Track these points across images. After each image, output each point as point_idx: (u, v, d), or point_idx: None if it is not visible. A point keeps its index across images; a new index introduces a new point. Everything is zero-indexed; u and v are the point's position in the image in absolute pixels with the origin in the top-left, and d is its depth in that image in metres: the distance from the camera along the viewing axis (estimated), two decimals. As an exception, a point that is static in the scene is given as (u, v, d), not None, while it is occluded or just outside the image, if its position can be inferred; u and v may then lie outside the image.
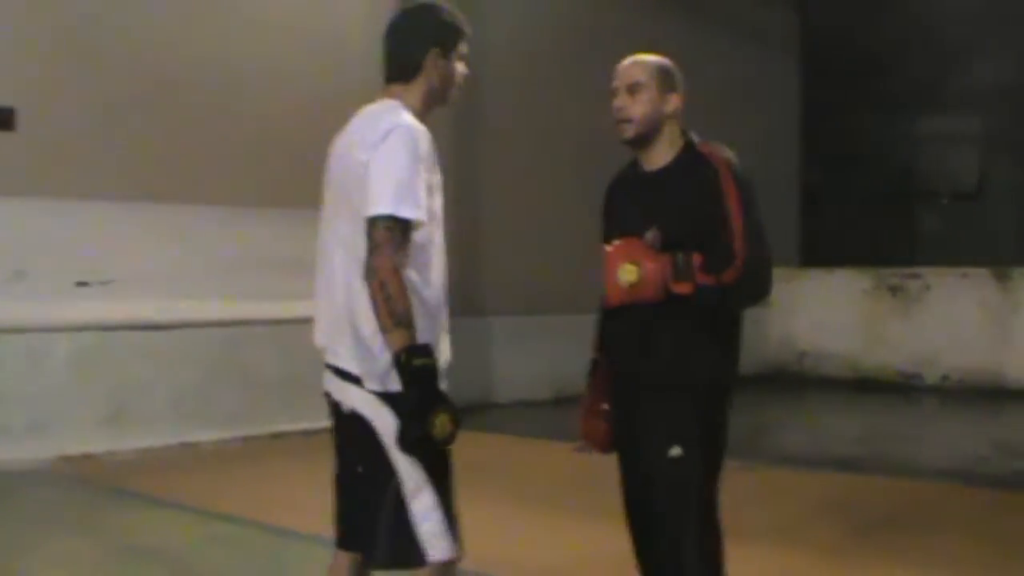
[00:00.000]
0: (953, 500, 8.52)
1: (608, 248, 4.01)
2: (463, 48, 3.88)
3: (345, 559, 3.84)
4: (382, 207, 3.51)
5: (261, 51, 11.22)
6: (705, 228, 3.95)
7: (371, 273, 3.51)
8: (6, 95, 9.75)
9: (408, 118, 3.66)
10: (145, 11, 10.55)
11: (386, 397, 3.60)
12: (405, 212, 3.52)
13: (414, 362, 3.48)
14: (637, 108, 4.13)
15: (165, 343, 10.45)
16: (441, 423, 3.49)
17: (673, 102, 4.17)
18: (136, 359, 10.26)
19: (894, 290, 16.09)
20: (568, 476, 9.21)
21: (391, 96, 3.79)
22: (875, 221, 17.55)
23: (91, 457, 9.84)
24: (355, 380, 3.67)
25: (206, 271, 10.81)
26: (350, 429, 3.72)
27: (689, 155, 4.14)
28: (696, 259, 3.89)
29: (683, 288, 3.89)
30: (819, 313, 16.73)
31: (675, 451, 4.02)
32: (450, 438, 3.53)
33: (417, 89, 3.79)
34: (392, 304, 3.47)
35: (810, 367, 16.82)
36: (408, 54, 3.81)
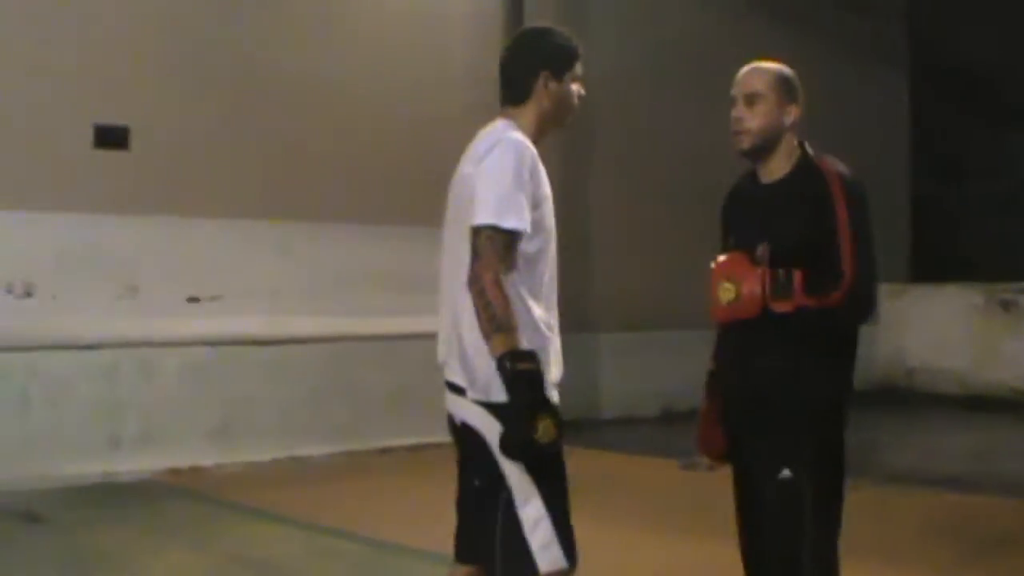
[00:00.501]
0: (1068, 521, 8.36)
1: (712, 265, 3.99)
2: (578, 70, 3.91)
3: (462, 572, 3.85)
4: (484, 217, 3.57)
5: (370, 70, 11.30)
6: (816, 244, 3.88)
7: (473, 280, 3.56)
8: (121, 114, 9.93)
9: (515, 134, 3.69)
10: (255, 31, 10.68)
11: (490, 407, 3.62)
12: (507, 222, 3.56)
13: (517, 366, 3.49)
14: (755, 120, 4.04)
15: (273, 358, 10.56)
16: (545, 427, 3.48)
17: (793, 113, 4.09)
18: (244, 374, 10.38)
19: (1006, 305, 15.80)
20: (674, 493, 9.17)
21: (505, 117, 3.84)
22: (987, 234, 17.25)
23: (200, 470, 9.97)
24: (463, 392, 3.69)
25: (313, 287, 10.91)
26: (465, 442, 3.75)
27: (805, 167, 4.05)
28: (798, 278, 3.84)
29: (783, 307, 3.85)
30: (929, 329, 16.47)
31: (784, 473, 3.96)
32: (554, 443, 3.52)
33: (529, 112, 3.83)
34: (492, 310, 3.50)
35: (920, 384, 16.56)
36: (519, 77, 3.85)
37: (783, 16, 15.05)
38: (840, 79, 15.58)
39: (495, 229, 3.55)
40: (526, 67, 3.84)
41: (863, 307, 4.00)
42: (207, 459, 10.09)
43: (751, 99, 4.06)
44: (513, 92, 3.86)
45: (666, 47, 13.76)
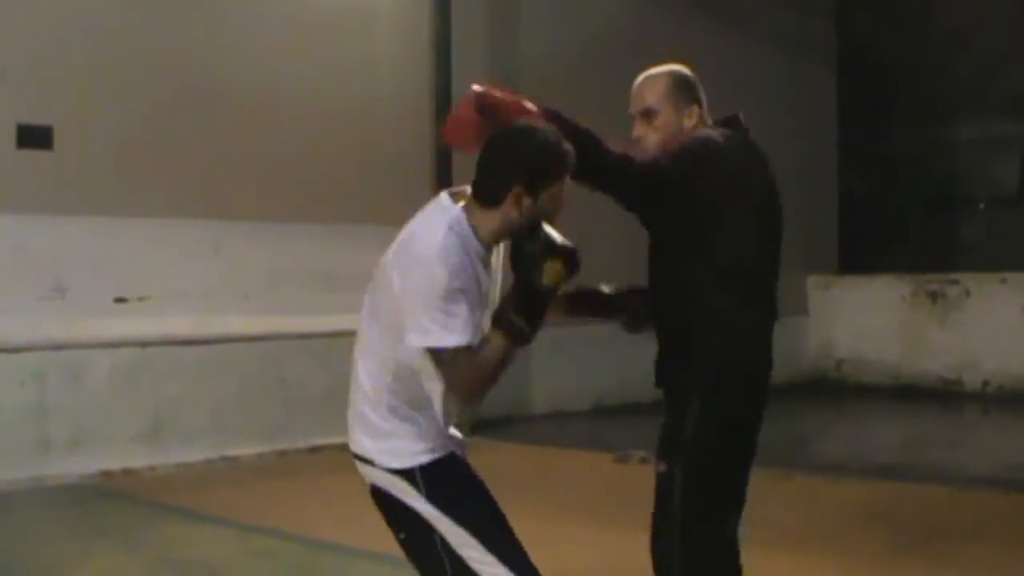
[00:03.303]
0: (995, 508, 8.45)
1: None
2: (557, 187, 3.52)
3: None
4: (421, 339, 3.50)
5: (298, 67, 11.23)
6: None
7: (467, 399, 3.64)
8: (44, 114, 9.82)
9: (445, 241, 3.46)
10: (179, 29, 10.59)
11: (390, 471, 3.66)
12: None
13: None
14: (655, 135, 3.98)
15: (203, 358, 10.49)
16: (552, 268, 3.40)
17: (694, 113, 4.01)
18: (175, 374, 10.30)
19: (933, 296, 15.99)
20: (608, 486, 9.21)
21: (468, 208, 3.55)
22: (914, 227, 17.43)
23: (131, 472, 9.89)
24: (365, 460, 3.73)
25: (243, 286, 10.85)
26: (381, 503, 3.74)
27: None
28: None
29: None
30: (858, 320, 16.63)
31: (660, 467, 3.96)
32: (558, 286, 3.45)
33: (494, 218, 3.51)
34: (495, 368, 3.51)
35: (849, 374, 16.72)
36: (491, 184, 3.51)
37: (713, 10, 15.12)
38: (768, 74, 15.69)
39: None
40: (500, 175, 3.49)
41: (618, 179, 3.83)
42: (138, 461, 10.00)
43: (647, 115, 4.01)
44: (483, 194, 3.52)
45: (597, 35, 13.76)
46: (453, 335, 3.40)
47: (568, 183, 3.56)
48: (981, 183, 17.31)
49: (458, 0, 12.00)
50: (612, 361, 13.08)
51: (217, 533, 7.79)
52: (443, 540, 3.58)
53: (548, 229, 3.47)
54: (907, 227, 17.40)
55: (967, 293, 15.72)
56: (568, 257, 3.43)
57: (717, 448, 3.93)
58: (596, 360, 13.48)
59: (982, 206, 17.36)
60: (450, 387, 3.52)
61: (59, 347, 9.70)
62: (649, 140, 4.00)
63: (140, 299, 10.24)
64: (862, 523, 7.84)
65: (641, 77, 4.09)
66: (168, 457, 10.16)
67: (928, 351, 15.90)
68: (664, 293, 4.01)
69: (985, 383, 15.38)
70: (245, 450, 10.60)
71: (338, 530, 7.46)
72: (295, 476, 9.97)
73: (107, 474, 9.73)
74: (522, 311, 3.43)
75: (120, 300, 10.14)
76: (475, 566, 3.56)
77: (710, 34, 14.57)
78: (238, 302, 10.78)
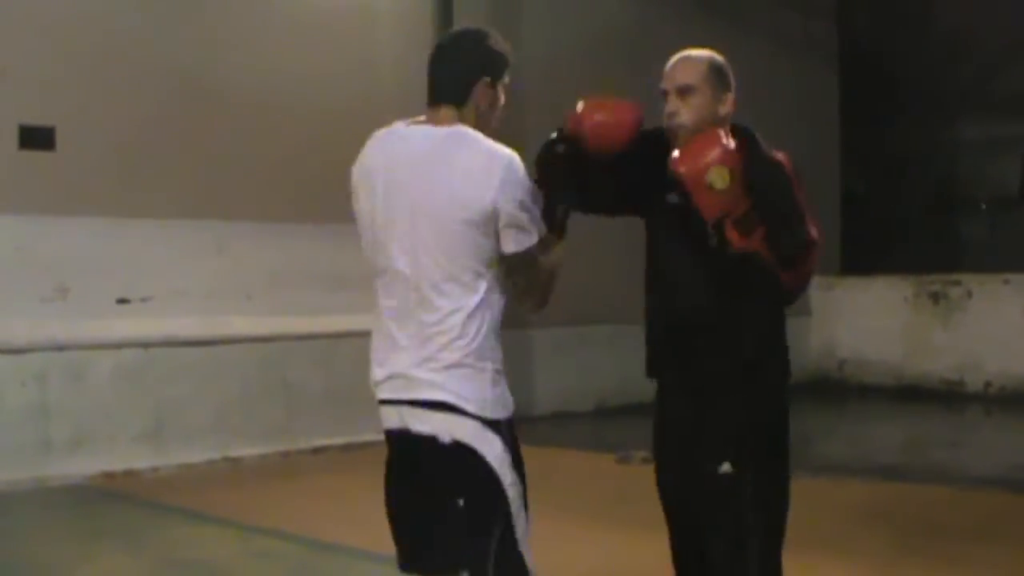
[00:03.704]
0: (997, 508, 8.44)
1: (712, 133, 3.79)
2: (507, 78, 3.79)
3: None
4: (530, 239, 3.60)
5: (297, 68, 11.23)
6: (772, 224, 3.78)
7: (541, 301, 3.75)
8: (46, 115, 9.82)
9: (488, 142, 3.63)
10: (181, 29, 10.59)
11: (488, 423, 3.53)
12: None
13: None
14: (690, 113, 3.90)
15: (205, 359, 10.49)
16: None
17: (728, 102, 3.98)
18: (177, 375, 10.30)
19: (935, 297, 15.97)
20: (610, 486, 9.20)
21: (443, 119, 3.67)
22: (916, 228, 17.42)
23: (133, 473, 9.89)
24: (447, 408, 3.51)
25: (245, 287, 10.85)
26: (449, 461, 3.53)
27: (753, 156, 3.86)
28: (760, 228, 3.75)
29: (742, 242, 3.71)
30: (860, 321, 16.62)
31: (724, 467, 3.91)
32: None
33: (468, 113, 3.68)
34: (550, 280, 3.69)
35: (851, 375, 16.71)
36: (458, 79, 3.70)
37: (716, 9, 15.12)
38: (770, 74, 15.66)
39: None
40: (466, 69, 3.71)
41: (808, 274, 3.96)
42: (140, 462, 10.01)
43: (683, 92, 3.93)
44: (451, 93, 3.70)
45: (599, 35, 13.76)
46: (541, 228, 3.61)
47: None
48: (983, 184, 17.31)
49: (460, 0, 12.02)
50: (614, 362, 13.08)
51: (219, 534, 7.79)
52: (506, 509, 3.54)
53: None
54: (909, 228, 17.40)
55: (969, 294, 15.70)
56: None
57: (787, 451, 3.96)
58: (598, 361, 13.48)
59: (984, 207, 17.36)
60: (532, 288, 3.67)
61: (61, 348, 9.70)
62: (682, 117, 3.93)
63: (142, 300, 10.25)
64: (864, 523, 7.84)
65: (680, 55, 4.04)
66: (170, 458, 10.16)
67: (930, 352, 15.88)
68: (714, 299, 3.96)
69: (987, 384, 15.37)
70: (247, 451, 10.60)
71: (340, 531, 7.46)
72: (297, 477, 9.96)
73: (109, 475, 9.74)
74: (565, 215, 3.75)
75: (122, 301, 10.14)
76: (522, 548, 3.57)
77: (711, 34, 14.42)
78: (240, 303, 10.79)
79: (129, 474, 9.86)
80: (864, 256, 17.53)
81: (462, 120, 3.65)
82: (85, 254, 9.95)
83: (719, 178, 3.63)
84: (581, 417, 13.52)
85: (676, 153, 3.75)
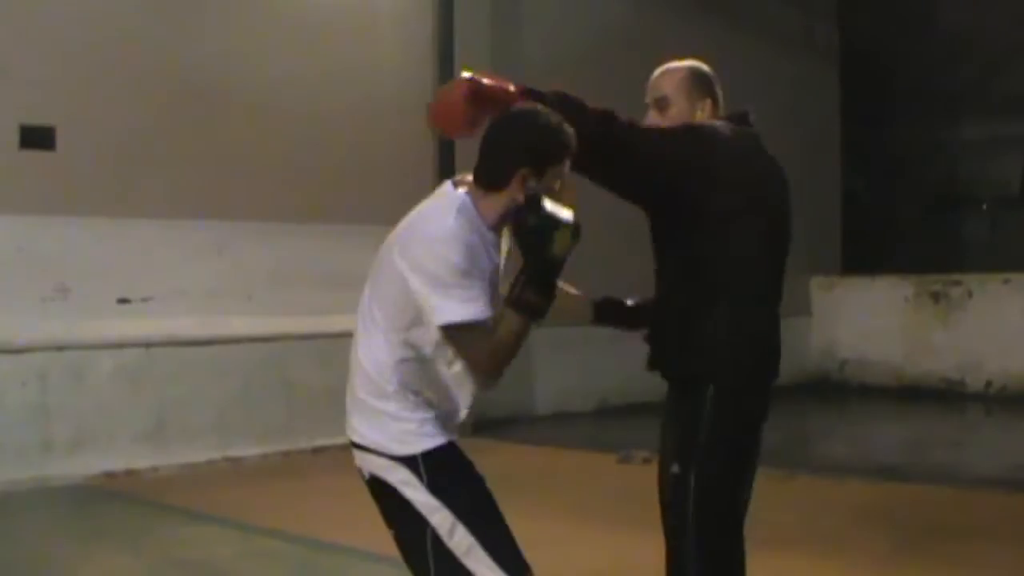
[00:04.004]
0: (999, 508, 8.45)
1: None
2: (560, 169, 3.59)
3: None
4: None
5: (298, 69, 11.22)
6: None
7: (487, 377, 3.59)
8: (46, 115, 9.82)
9: (456, 223, 3.51)
10: (182, 30, 10.59)
11: (393, 458, 3.62)
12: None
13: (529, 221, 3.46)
14: (668, 124, 3.98)
15: (206, 359, 10.49)
16: (561, 238, 3.44)
17: (706, 108, 4.03)
18: (177, 375, 10.30)
19: (936, 297, 15.98)
20: (611, 486, 9.20)
21: (471, 194, 3.60)
22: (917, 228, 17.44)
23: (134, 473, 9.89)
24: (365, 448, 3.70)
25: (246, 287, 10.85)
26: (377, 494, 3.72)
27: None
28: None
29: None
30: (861, 321, 16.63)
31: (674, 468, 3.91)
32: (566, 255, 3.49)
33: (500, 201, 3.56)
34: (513, 344, 3.51)
35: (852, 375, 16.73)
36: (496, 167, 3.57)
37: (716, 9, 15.13)
38: (771, 74, 15.68)
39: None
40: (505, 159, 3.55)
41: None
42: (141, 462, 10.00)
43: (660, 104, 4.03)
44: (488, 179, 3.59)
45: (600, 36, 13.76)
46: (472, 311, 3.44)
47: (567, 167, 3.62)
48: (984, 184, 17.34)
49: (460, 1, 12.03)
50: (615, 362, 13.03)
51: (220, 534, 7.79)
52: (435, 533, 3.55)
53: (555, 201, 3.50)
54: (910, 228, 17.43)
55: (970, 294, 15.72)
56: (574, 227, 3.48)
57: (732, 452, 3.92)
58: (599, 360, 13.47)
59: (985, 207, 17.39)
60: (472, 364, 3.54)
61: (62, 348, 9.69)
62: None
63: (143, 300, 10.25)
64: (865, 523, 7.84)
65: (660, 68, 4.12)
66: (171, 458, 10.16)
67: (931, 352, 15.90)
68: (677, 291, 3.99)
69: (988, 384, 15.39)
70: (248, 451, 10.60)
71: (341, 531, 7.45)
72: (298, 477, 9.96)
73: (110, 475, 9.73)
74: (534, 285, 3.48)
75: (123, 301, 10.14)
76: (466, 562, 3.54)
77: (713, 34, 14.55)
78: (241, 303, 10.79)
79: (129, 474, 9.86)
80: (865, 256, 17.55)
81: (485, 205, 3.58)
82: (85, 254, 9.95)
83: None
84: (582, 417, 13.53)
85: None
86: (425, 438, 3.61)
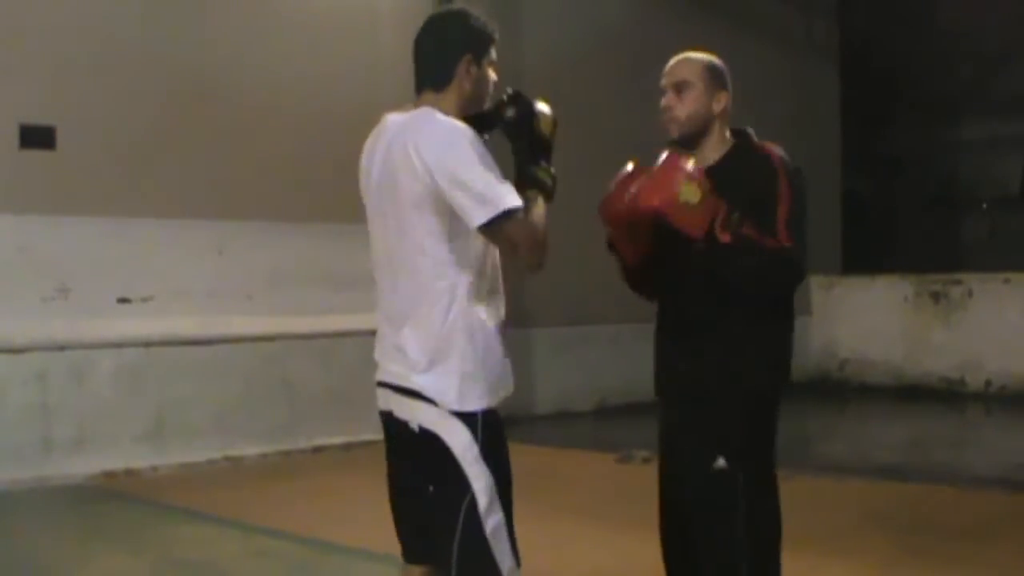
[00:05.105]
0: (999, 508, 8.43)
1: (668, 159, 3.91)
2: (492, 55, 3.78)
3: (417, 572, 3.80)
4: (489, 211, 3.47)
5: (299, 68, 11.23)
6: (754, 212, 3.89)
7: (534, 265, 3.55)
8: (46, 114, 9.82)
9: (445, 118, 3.59)
10: (182, 29, 10.59)
11: (456, 415, 3.55)
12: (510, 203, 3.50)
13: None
14: (684, 107, 4.09)
15: (206, 358, 10.50)
16: (546, 119, 3.70)
17: (722, 100, 4.13)
18: (178, 375, 10.30)
19: (936, 296, 15.98)
20: (610, 487, 9.20)
21: (421, 104, 3.70)
22: (917, 228, 17.45)
23: (134, 472, 9.89)
24: (420, 397, 3.59)
25: (246, 286, 10.86)
26: (419, 447, 3.62)
27: (741, 150, 4.11)
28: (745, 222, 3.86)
29: (725, 236, 3.82)
30: (861, 320, 16.62)
31: (719, 463, 3.97)
32: (554, 134, 3.70)
33: (450, 96, 3.68)
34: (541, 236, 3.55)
35: (852, 374, 16.72)
36: (440, 62, 3.73)
37: (716, 9, 15.13)
38: (771, 74, 15.68)
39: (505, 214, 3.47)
40: (447, 51, 3.72)
41: (794, 269, 3.99)
42: (141, 461, 10.01)
43: (679, 87, 4.11)
44: (433, 77, 3.73)
45: (601, 37, 13.76)
46: (512, 195, 3.47)
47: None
48: (984, 183, 17.36)
49: (461, 2, 11.98)
50: (616, 361, 13.09)
51: (220, 533, 7.79)
52: (472, 502, 3.53)
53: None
54: (910, 227, 17.44)
55: (970, 293, 15.71)
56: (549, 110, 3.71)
57: (773, 450, 4.06)
58: (600, 360, 13.48)
59: (985, 206, 17.40)
60: (523, 250, 3.51)
61: (62, 347, 9.70)
62: (676, 111, 4.11)
63: (143, 299, 10.25)
64: (865, 523, 7.83)
65: (680, 55, 4.22)
66: (171, 457, 10.16)
67: (931, 351, 15.89)
68: (705, 300, 4.05)
69: (988, 383, 15.38)
70: (248, 450, 10.60)
71: (341, 530, 7.46)
72: (298, 476, 9.96)
73: (110, 474, 9.74)
74: (538, 164, 3.64)
75: (123, 300, 10.14)
76: (490, 539, 3.54)
77: (713, 35, 14.45)
78: (241, 302, 10.79)
79: (130, 473, 9.86)
80: (865, 256, 17.57)
81: (442, 103, 3.66)
82: (86, 254, 9.95)
83: (691, 194, 3.76)
84: (582, 417, 13.52)
85: (636, 190, 3.87)
86: (487, 395, 3.59)
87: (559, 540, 7.13)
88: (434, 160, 3.48)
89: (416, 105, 3.71)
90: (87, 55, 10.04)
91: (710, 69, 4.15)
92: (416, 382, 3.58)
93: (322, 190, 11.11)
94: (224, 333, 10.61)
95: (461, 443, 3.55)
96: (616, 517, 7.83)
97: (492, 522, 3.54)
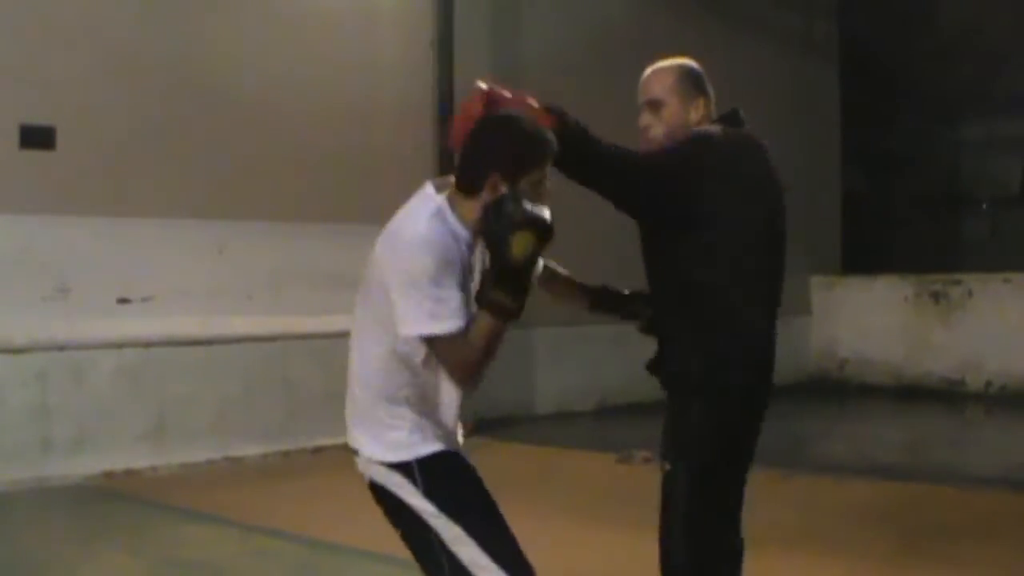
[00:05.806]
0: (999, 508, 8.44)
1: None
2: (536, 175, 3.56)
3: None
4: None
5: (298, 68, 11.22)
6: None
7: (468, 381, 3.57)
8: (46, 114, 9.81)
9: (429, 226, 3.51)
10: (182, 29, 10.58)
11: (387, 465, 3.65)
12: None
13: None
14: (660, 126, 4.04)
15: (206, 358, 10.49)
16: (522, 239, 3.39)
17: (700, 107, 4.06)
18: (178, 375, 10.30)
19: (936, 296, 15.97)
20: (611, 486, 9.20)
21: (450, 195, 3.61)
22: (917, 228, 17.43)
23: (134, 472, 9.89)
24: (360, 454, 3.76)
25: (246, 286, 10.85)
26: (379, 500, 3.76)
27: None
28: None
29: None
30: (861, 320, 16.62)
31: (666, 467, 3.99)
32: (530, 258, 3.45)
33: (474, 205, 3.54)
34: (492, 345, 3.48)
35: (852, 374, 16.71)
36: (472, 170, 3.57)
37: (716, 9, 15.12)
38: (771, 74, 15.68)
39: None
40: (479, 162, 3.56)
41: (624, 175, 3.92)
42: (141, 461, 10.00)
43: (653, 105, 4.06)
44: (463, 181, 3.59)
45: (600, 35, 13.75)
46: (444, 321, 3.43)
47: (550, 173, 3.63)
48: (984, 183, 17.32)
49: (460, 1, 12.01)
50: (616, 361, 13.06)
51: (220, 533, 7.79)
52: (439, 538, 3.57)
53: (518, 203, 3.44)
54: (910, 227, 17.41)
55: (970, 293, 15.71)
56: (538, 227, 3.43)
57: (717, 448, 3.94)
58: (600, 360, 13.47)
59: (985, 206, 17.37)
60: (448, 371, 3.54)
61: (62, 347, 9.69)
62: (655, 130, 4.06)
63: (143, 299, 10.24)
64: (865, 523, 7.83)
65: (650, 69, 4.15)
66: (171, 457, 10.16)
67: (931, 351, 15.89)
68: (663, 292, 4.04)
69: (988, 383, 15.38)
70: (248, 450, 10.60)
71: (341, 530, 7.45)
72: (298, 476, 9.97)
73: (110, 474, 9.73)
74: (500, 285, 3.45)
75: (123, 300, 10.14)
76: (471, 568, 3.55)
77: (713, 33, 14.55)
78: (241, 302, 10.79)
79: (129, 474, 9.85)
80: (864, 256, 17.53)
81: (463, 207, 3.58)
82: (86, 254, 9.94)
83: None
84: (582, 416, 13.52)
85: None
86: (418, 445, 3.63)
87: (559, 540, 7.13)
88: (392, 260, 3.52)
89: (445, 189, 3.65)
90: (87, 55, 10.03)
91: (682, 80, 4.07)
92: (355, 439, 3.77)
93: (322, 190, 11.12)
94: (224, 333, 10.61)
95: (405, 491, 3.63)
96: (616, 517, 7.83)
97: (466, 553, 3.56)
